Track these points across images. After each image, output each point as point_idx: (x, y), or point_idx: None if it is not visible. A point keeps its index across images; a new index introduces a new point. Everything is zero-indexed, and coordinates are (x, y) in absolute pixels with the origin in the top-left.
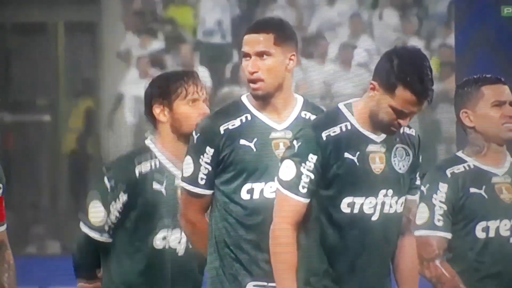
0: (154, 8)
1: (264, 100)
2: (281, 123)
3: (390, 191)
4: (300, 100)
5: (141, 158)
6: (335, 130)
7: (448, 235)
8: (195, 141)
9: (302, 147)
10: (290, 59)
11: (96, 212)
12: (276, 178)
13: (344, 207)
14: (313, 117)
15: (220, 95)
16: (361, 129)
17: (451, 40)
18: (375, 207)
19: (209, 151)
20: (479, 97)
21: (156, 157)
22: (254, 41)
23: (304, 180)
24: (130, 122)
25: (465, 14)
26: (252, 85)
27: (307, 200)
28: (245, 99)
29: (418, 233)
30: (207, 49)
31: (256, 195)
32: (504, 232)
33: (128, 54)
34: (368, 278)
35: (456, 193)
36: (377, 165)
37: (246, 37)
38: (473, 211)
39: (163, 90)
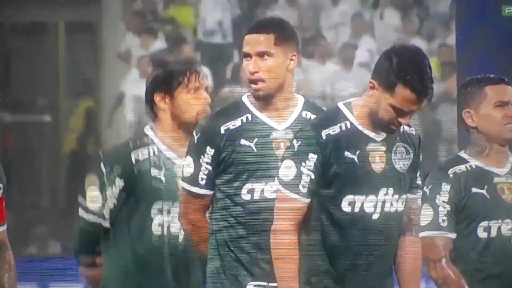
0: (154, 8)
1: (265, 100)
2: (282, 123)
3: (391, 190)
4: (301, 100)
5: (139, 144)
6: (334, 129)
7: (453, 235)
8: (195, 141)
9: (302, 146)
10: (291, 59)
11: (93, 197)
12: (276, 178)
13: (345, 206)
14: (314, 117)
15: (221, 95)
16: (361, 128)
17: (451, 40)
18: (375, 205)
19: (210, 151)
20: (482, 97)
21: (154, 144)
22: (255, 41)
23: (305, 179)
24: (131, 122)
25: (466, 14)
26: (253, 85)
27: (307, 200)
28: (245, 99)
29: (423, 234)
30: (207, 49)
31: (256, 195)
32: (506, 232)
33: (128, 54)
34: (370, 277)
35: (459, 193)
36: (377, 164)
37: (247, 37)
38: (475, 211)
39: (165, 78)
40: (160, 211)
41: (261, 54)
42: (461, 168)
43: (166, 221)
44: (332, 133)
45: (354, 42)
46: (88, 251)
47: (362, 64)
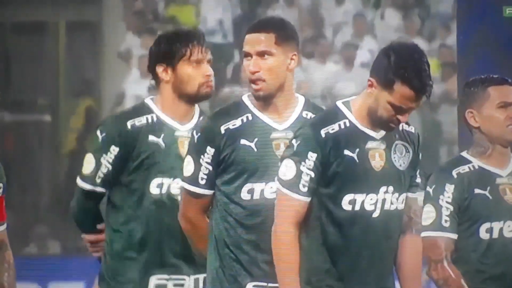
0: (155, 7)
1: (265, 100)
2: (282, 123)
3: (391, 188)
4: (301, 100)
5: (136, 113)
6: (333, 128)
7: (455, 236)
8: (195, 141)
9: (301, 145)
10: (292, 59)
11: (88, 163)
12: (276, 178)
13: (345, 204)
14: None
15: (221, 95)
16: (360, 126)
17: (452, 40)
18: (376, 204)
19: (210, 151)
20: (485, 97)
21: (153, 113)
22: (255, 41)
23: (304, 178)
24: None
25: (467, 14)
26: (253, 85)
27: (308, 199)
28: (246, 99)
29: (425, 234)
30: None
31: (256, 196)
32: (508, 233)
33: (128, 54)
34: (371, 276)
35: (462, 193)
36: (377, 162)
37: (247, 36)
38: (477, 212)
39: (167, 49)
40: (159, 175)
41: (261, 54)
42: (465, 169)
43: (164, 182)
44: (331, 132)
45: (356, 42)
46: (85, 219)
47: (363, 64)
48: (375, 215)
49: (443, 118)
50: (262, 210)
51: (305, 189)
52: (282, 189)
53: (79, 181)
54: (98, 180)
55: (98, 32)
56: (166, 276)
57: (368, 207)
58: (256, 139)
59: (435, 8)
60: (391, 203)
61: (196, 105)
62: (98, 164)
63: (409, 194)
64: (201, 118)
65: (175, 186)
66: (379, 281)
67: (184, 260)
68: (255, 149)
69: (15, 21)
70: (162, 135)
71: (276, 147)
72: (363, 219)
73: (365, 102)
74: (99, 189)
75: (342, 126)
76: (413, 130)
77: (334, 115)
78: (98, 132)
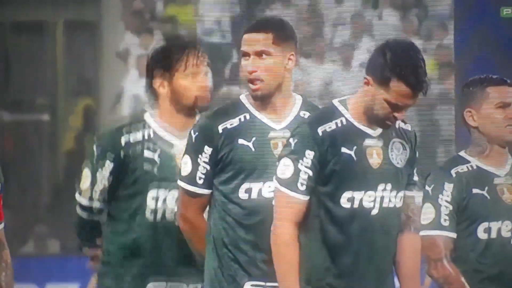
0: (154, 7)
1: (263, 99)
2: (280, 122)
3: (389, 185)
4: (299, 99)
5: (131, 128)
6: (330, 126)
7: (454, 235)
8: (193, 140)
9: (298, 144)
10: (289, 59)
11: (85, 178)
12: (274, 178)
13: (344, 202)
14: None
15: (219, 94)
16: (357, 124)
17: (450, 41)
18: (374, 201)
19: (208, 150)
20: (484, 97)
21: (150, 127)
22: (253, 41)
23: (303, 177)
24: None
25: (464, 15)
26: (251, 85)
27: (306, 198)
28: (244, 99)
29: (424, 233)
30: (206, 48)
31: (254, 195)
32: (506, 233)
33: (127, 54)
34: (371, 273)
35: (461, 193)
36: (374, 160)
37: (246, 36)
38: (475, 212)
39: (163, 62)
40: (154, 192)
41: (259, 54)
42: (463, 168)
43: (159, 203)
44: (328, 130)
45: (354, 42)
46: (84, 233)
47: (361, 64)
48: (374, 212)
49: (440, 118)
50: (260, 209)
51: (303, 188)
52: (281, 188)
53: (77, 196)
54: (95, 196)
55: (97, 31)
56: (164, 284)
57: (367, 204)
58: (254, 139)
59: (433, 9)
60: (390, 201)
61: (197, 117)
62: (94, 180)
63: (407, 192)
64: (199, 117)
65: (171, 207)
66: (379, 278)
67: (183, 269)
68: (253, 149)
69: (13, 21)
70: (158, 150)
71: (274, 146)
72: (362, 217)
73: (361, 100)
74: (96, 205)
75: (339, 124)
76: (409, 128)
77: (330, 113)
78: (94, 147)
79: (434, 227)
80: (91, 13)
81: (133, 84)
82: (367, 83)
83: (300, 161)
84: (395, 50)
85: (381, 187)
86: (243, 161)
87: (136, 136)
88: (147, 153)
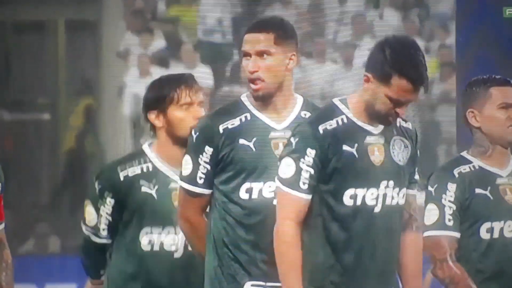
0: (155, 7)
1: (264, 99)
2: (280, 122)
3: (391, 183)
4: (300, 99)
5: (130, 162)
6: (331, 124)
7: (458, 234)
8: (194, 140)
9: (299, 143)
10: (290, 59)
11: (89, 213)
12: (276, 177)
13: (347, 199)
14: None
15: (220, 94)
16: (358, 122)
17: (451, 41)
18: (377, 198)
19: (208, 150)
20: (486, 97)
21: (149, 161)
22: (255, 40)
23: (304, 175)
24: (131, 120)
25: (466, 15)
26: (252, 85)
27: (309, 196)
28: (245, 99)
29: (428, 233)
30: (207, 48)
31: (255, 195)
32: (508, 233)
33: (128, 53)
34: (374, 270)
35: (464, 193)
36: (376, 157)
37: (247, 36)
38: (478, 212)
39: (157, 96)
40: (150, 228)
41: (260, 53)
42: (466, 168)
43: (156, 237)
44: (329, 128)
45: (355, 42)
46: (91, 265)
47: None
48: (377, 210)
49: (442, 118)
50: (260, 209)
51: (305, 187)
52: (283, 188)
53: (83, 227)
54: (101, 231)
55: (98, 31)
56: None
57: (370, 202)
58: (254, 139)
59: (435, 9)
60: (392, 198)
61: None
62: (98, 215)
63: (408, 191)
64: (200, 118)
65: (169, 240)
66: (382, 276)
67: None
68: (254, 149)
69: (14, 20)
70: (157, 186)
71: (274, 146)
72: (365, 214)
73: (362, 97)
74: (102, 240)
75: (340, 122)
76: (410, 127)
77: (331, 112)
78: (96, 183)
79: (439, 227)
80: (92, 13)
81: (134, 83)
82: (367, 80)
83: (302, 159)
84: (395, 46)
85: (383, 184)
86: (244, 161)
87: (135, 170)
88: (144, 188)
